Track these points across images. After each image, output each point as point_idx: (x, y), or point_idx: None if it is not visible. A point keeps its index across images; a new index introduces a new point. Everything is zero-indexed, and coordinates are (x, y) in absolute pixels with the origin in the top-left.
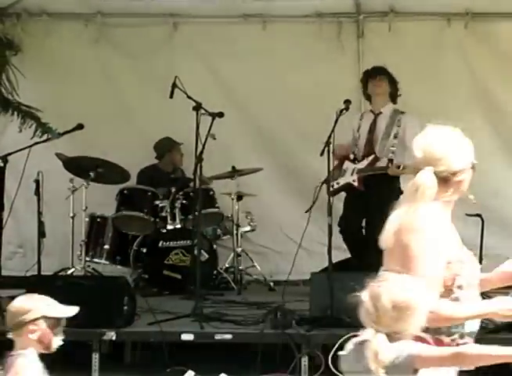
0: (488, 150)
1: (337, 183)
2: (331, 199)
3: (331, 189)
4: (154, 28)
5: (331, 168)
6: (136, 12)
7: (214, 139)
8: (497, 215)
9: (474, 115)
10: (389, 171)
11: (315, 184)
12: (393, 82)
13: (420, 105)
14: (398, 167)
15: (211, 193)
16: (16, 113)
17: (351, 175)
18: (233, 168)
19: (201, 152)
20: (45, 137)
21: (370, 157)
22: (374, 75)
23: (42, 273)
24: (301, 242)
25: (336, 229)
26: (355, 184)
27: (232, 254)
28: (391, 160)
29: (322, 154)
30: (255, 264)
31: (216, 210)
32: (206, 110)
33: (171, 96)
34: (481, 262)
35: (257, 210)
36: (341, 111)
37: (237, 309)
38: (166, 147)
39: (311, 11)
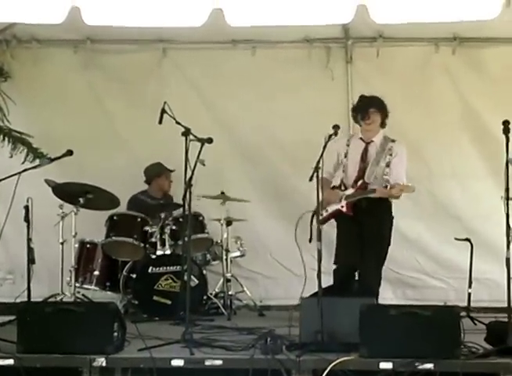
0: (478, 174)
1: (326, 211)
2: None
3: (320, 217)
4: (143, 54)
5: (320, 195)
6: (125, 38)
7: (204, 164)
8: (487, 240)
9: (463, 139)
10: (377, 193)
11: (304, 209)
12: (384, 112)
13: (408, 130)
14: (386, 187)
15: (201, 218)
16: (6, 138)
17: (340, 201)
18: (222, 193)
19: (190, 177)
20: (35, 163)
21: (359, 182)
22: (367, 116)
23: (32, 300)
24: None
25: (326, 254)
26: (344, 210)
27: (221, 280)
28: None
29: (311, 180)
30: (245, 289)
31: (206, 235)
32: (195, 136)
33: (160, 122)
34: (470, 285)
35: (247, 235)
36: (330, 136)
37: (227, 335)
38: (154, 173)
39: (300, 36)
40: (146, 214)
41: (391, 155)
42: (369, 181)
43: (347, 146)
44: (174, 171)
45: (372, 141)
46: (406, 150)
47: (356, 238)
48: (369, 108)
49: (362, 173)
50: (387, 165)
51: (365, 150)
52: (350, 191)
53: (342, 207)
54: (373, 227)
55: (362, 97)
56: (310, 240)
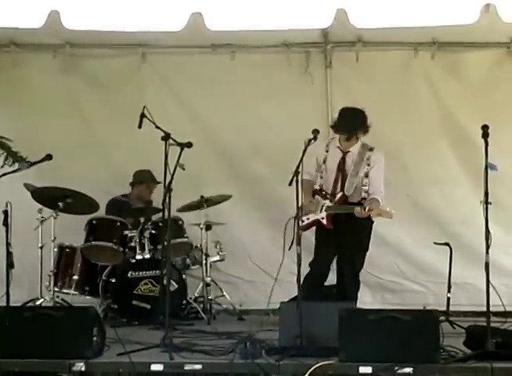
0: (457, 178)
1: (307, 219)
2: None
3: (301, 224)
4: (122, 58)
5: (302, 200)
6: (104, 43)
7: (183, 169)
8: (466, 244)
9: (442, 144)
10: (355, 212)
11: (284, 213)
12: (366, 128)
13: (387, 134)
14: (365, 209)
15: (180, 222)
16: None
17: (320, 211)
18: (202, 197)
19: (170, 182)
20: (14, 167)
21: (339, 195)
22: (353, 138)
23: (11, 304)
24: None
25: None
26: (324, 222)
27: (201, 284)
28: (364, 199)
29: (290, 184)
30: (224, 293)
31: (185, 240)
32: (174, 140)
33: (140, 126)
34: (449, 290)
35: (226, 239)
36: (309, 141)
37: (207, 339)
38: (138, 179)
39: (280, 41)
40: (124, 217)
41: (369, 165)
42: (349, 193)
43: (326, 151)
44: (160, 183)
45: (349, 151)
46: (384, 157)
47: (333, 242)
48: (355, 133)
49: (341, 184)
50: (366, 175)
51: (343, 160)
52: (331, 202)
53: (323, 218)
54: (352, 233)
55: (344, 114)
56: (290, 248)
